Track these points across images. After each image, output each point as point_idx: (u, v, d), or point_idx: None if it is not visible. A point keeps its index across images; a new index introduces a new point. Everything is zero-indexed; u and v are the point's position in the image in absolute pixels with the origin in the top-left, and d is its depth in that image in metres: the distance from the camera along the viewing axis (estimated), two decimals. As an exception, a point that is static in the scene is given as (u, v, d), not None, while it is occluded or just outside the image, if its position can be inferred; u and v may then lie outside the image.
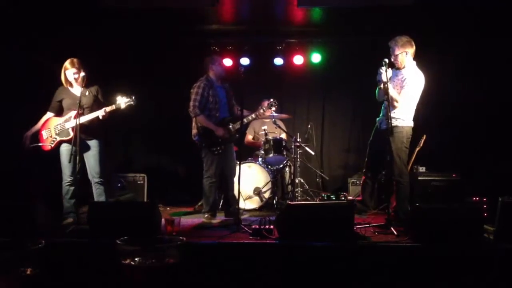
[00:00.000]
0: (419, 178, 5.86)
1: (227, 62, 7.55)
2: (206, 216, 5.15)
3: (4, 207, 3.98)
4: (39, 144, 4.79)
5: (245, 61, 7.49)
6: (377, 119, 5.03)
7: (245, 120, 5.41)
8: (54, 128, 4.80)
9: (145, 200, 6.64)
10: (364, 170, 5.21)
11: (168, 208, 6.35)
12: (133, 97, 4.80)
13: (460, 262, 3.52)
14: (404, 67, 4.74)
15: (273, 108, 5.59)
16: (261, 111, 5.38)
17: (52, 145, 4.76)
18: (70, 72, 4.74)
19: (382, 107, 4.96)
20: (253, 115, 5.35)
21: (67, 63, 4.76)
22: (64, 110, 4.86)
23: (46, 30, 5.79)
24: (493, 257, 3.54)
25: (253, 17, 6.86)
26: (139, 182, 6.74)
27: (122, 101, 4.77)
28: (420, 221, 3.83)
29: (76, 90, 4.81)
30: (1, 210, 3.93)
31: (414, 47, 4.75)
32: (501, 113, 6.15)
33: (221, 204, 5.84)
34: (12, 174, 5.44)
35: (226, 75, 5.32)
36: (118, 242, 1.85)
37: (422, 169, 6.10)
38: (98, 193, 4.83)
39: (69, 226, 4.48)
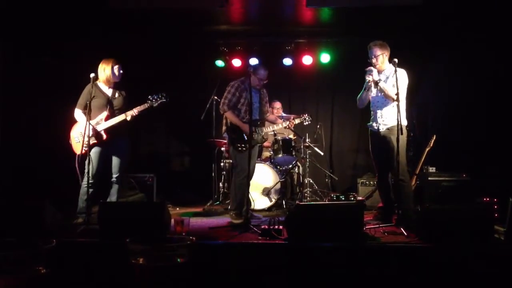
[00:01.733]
0: (429, 178, 5.82)
1: (236, 62, 7.57)
2: (231, 214, 5.18)
3: (14, 207, 4.02)
4: (84, 148, 4.61)
5: (254, 61, 7.49)
6: (368, 124, 5.00)
7: (275, 127, 5.55)
8: (88, 131, 4.61)
9: (155, 200, 6.66)
10: (377, 176, 5.12)
11: (178, 209, 6.38)
12: (165, 94, 4.84)
13: (470, 263, 3.49)
14: (383, 70, 4.77)
15: (306, 123, 6.07)
16: (293, 122, 5.86)
17: (86, 149, 4.60)
18: (117, 67, 4.86)
19: (371, 111, 4.94)
20: (285, 125, 5.73)
21: (112, 60, 4.85)
22: (92, 110, 4.68)
23: (55, 32, 5.84)
24: (504, 257, 3.51)
25: (262, 18, 6.86)
26: (148, 182, 6.76)
27: (154, 100, 4.80)
28: (430, 221, 3.81)
29: (106, 90, 4.89)
30: (11, 210, 3.97)
31: (389, 51, 4.81)
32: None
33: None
34: (22, 173, 5.48)
35: (259, 87, 5.34)
36: (128, 241, 1.86)
37: (432, 169, 6.06)
38: (112, 192, 4.92)
39: (79, 226, 4.51)
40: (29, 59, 5.65)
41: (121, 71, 4.92)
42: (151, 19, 6.59)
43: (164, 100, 4.85)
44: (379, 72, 4.77)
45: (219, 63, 7.66)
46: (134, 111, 4.77)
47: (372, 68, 4.67)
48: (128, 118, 4.78)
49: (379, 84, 4.64)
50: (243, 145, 5.14)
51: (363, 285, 3.48)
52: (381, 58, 4.75)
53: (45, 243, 1.53)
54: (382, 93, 4.66)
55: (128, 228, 3.71)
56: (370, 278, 3.49)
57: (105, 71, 4.85)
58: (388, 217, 4.80)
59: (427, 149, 5.90)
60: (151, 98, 4.82)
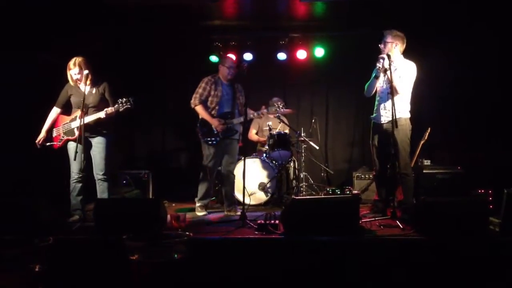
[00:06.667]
0: (424, 171, 5.85)
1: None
2: (197, 204, 5.53)
3: (10, 205, 4.01)
4: (53, 142, 4.87)
5: (248, 56, 7.49)
6: (371, 116, 5.00)
7: (250, 116, 5.52)
8: (62, 127, 4.87)
9: (151, 196, 6.66)
10: (374, 169, 5.11)
11: (174, 204, 6.39)
12: (132, 100, 4.71)
13: (466, 254, 3.52)
14: (392, 60, 4.72)
15: (275, 109, 5.92)
16: (265, 111, 5.68)
17: (60, 144, 4.83)
18: (72, 73, 4.75)
19: (376, 103, 4.94)
20: (255, 114, 5.59)
21: (70, 63, 4.76)
22: (72, 107, 4.90)
23: (52, 28, 5.81)
24: (498, 249, 3.54)
25: (255, 12, 6.85)
26: (144, 178, 6.76)
27: (121, 104, 4.71)
28: (426, 214, 3.83)
29: (83, 88, 4.81)
30: (7, 208, 3.96)
31: (404, 44, 4.80)
32: (506, 105, 6.12)
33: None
34: (19, 171, 5.47)
35: (231, 77, 5.41)
36: (125, 238, 1.86)
37: (427, 162, 6.09)
38: (101, 190, 4.85)
39: (75, 223, 4.51)
40: (25, 56, 5.62)
41: (78, 76, 4.73)
42: (144, 15, 6.56)
43: (129, 106, 4.71)
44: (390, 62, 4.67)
45: (213, 58, 7.65)
46: (104, 113, 4.67)
47: (384, 56, 4.63)
48: (102, 116, 4.70)
49: (387, 72, 4.60)
50: (212, 139, 5.32)
51: (360, 278, 3.50)
52: (390, 46, 4.71)
53: (42, 241, 1.53)
54: (388, 84, 4.60)
55: (124, 225, 3.69)
56: (366, 271, 3.50)
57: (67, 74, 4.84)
58: (384, 210, 4.82)
59: (422, 142, 5.92)
60: (118, 102, 4.72)
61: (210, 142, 5.33)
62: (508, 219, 3.76)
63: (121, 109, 4.71)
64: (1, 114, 5.36)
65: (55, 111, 4.94)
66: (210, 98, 5.36)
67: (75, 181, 4.76)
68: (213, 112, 5.36)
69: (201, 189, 5.50)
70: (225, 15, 6.88)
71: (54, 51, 5.77)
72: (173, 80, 7.75)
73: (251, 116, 5.59)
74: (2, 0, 5.24)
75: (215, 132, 5.31)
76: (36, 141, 4.87)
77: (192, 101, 5.37)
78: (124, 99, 4.71)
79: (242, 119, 5.53)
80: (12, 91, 5.49)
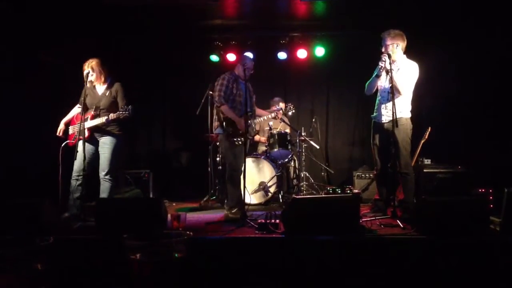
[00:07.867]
0: (425, 170, 5.84)
1: (231, 57, 7.56)
2: (233, 211, 5.03)
3: (12, 204, 4.00)
4: (68, 140, 5.00)
5: (248, 55, 7.47)
6: (372, 115, 5.00)
7: (264, 118, 5.53)
8: (78, 126, 4.97)
9: (151, 196, 6.66)
10: (375, 168, 5.10)
11: (174, 204, 6.39)
12: (130, 109, 4.77)
13: (466, 254, 3.52)
14: (394, 60, 4.70)
15: (290, 113, 6.08)
16: (280, 112, 5.73)
17: (73, 142, 4.95)
18: (85, 73, 4.87)
19: (377, 102, 4.93)
20: (272, 115, 5.64)
21: (84, 65, 4.89)
22: (88, 107, 4.99)
23: (54, 30, 5.81)
24: (499, 248, 3.54)
25: (256, 12, 6.85)
26: (144, 178, 6.76)
27: (121, 113, 4.78)
28: (426, 213, 3.82)
29: (99, 89, 4.97)
30: (9, 207, 3.96)
31: (405, 42, 4.77)
32: (507, 105, 6.12)
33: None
34: (18, 170, 5.47)
35: (247, 78, 5.10)
36: (126, 237, 1.86)
37: (427, 161, 6.08)
38: (101, 190, 4.91)
39: (68, 220, 4.53)
40: (26, 58, 5.64)
41: (91, 78, 4.88)
42: (144, 15, 6.56)
43: (127, 115, 4.77)
44: (392, 62, 4.63)
45: (214, 58, 7.66)
46: (103, 120, 4.81)
47: (387, 55, 4.58)
48: (103, 121, 4.83)
49: (390, 74, 4.56)
50: (239, 139, 5.12)
51: (360, 278, 3.50)
52: (391, 48, 4.68)
53: (43, 240, 1.53)
54: (391, 85, 4.56)
55: (125, 224, 3.71)
56: (366, 270, 3.50)
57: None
58: (384, 209, 4.82)
59: (422, 141, 5.92)
60: (119, 111, 4.81)
61: (236, 142, 5.10)
62: (508, 219, 3.76)
63: (121, 117, 4.80)
64: (1, 114, 5.36)
65: (75, 108, 5.10)
66: (231, 97, 5.16)
67: (78, 179, 4.79)
68: (236, 112, 5.14)
69: (234, 194, 5.12)
70: (225, 14, 6.89)
71: (54, 51, 5.78)
72: (173, 80, 7.75)
73: (269, 117, 5.66)
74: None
75: (241, 132, 5.08)
76: (57, 133, 5.02)
77: (217, 99, 5.11)
78: (124, 107, 4.81)
79: (260, 119, 5.55)
80: (10, 90, 5.51)
